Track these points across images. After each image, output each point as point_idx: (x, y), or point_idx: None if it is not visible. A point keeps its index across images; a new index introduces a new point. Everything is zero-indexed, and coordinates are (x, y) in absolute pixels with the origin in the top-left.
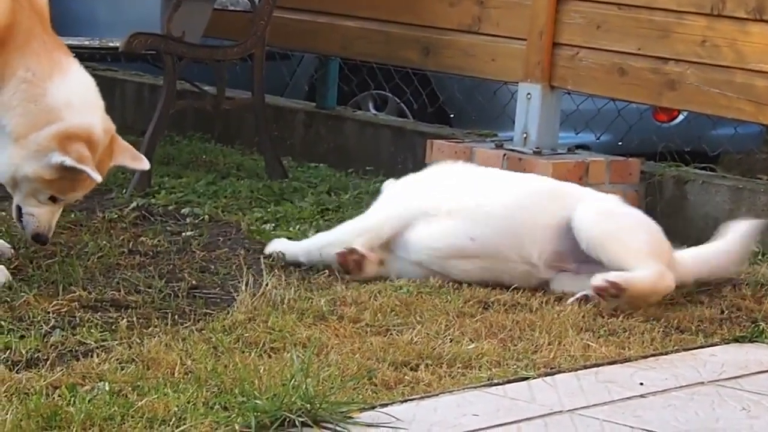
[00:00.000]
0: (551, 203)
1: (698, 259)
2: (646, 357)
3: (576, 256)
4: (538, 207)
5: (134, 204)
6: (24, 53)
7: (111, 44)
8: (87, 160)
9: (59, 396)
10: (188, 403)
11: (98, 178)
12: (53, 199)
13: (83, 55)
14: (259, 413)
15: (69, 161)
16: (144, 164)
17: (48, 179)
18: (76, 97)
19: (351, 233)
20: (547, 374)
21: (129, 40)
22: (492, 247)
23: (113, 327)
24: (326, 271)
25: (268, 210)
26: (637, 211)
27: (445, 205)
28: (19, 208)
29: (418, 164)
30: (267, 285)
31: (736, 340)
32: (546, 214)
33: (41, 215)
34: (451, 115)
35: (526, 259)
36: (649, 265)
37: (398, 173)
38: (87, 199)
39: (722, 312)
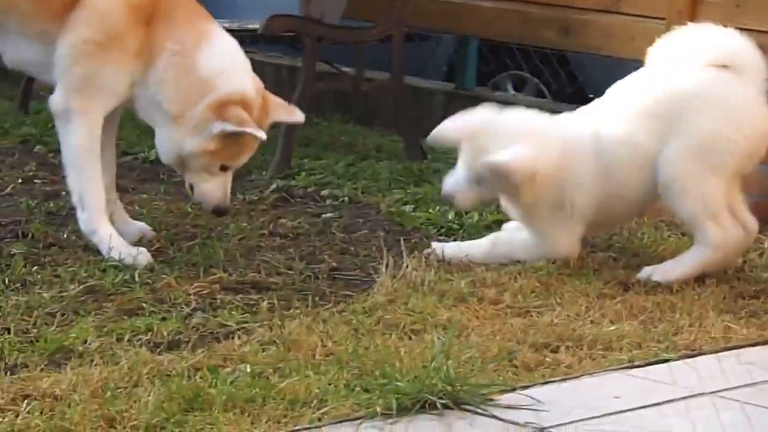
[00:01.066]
0: None
1: None
2: None
3: None
4: None
5: (274, 186)
6: (169, 25)
7: (250, 26)
8: (247, 121)
9: (201, 378)
10: (329, 385)
11: (263, 136)
12: (224, 168)
13: None
14: (400, 395)
15: (230, 126)
16: (299, 116)
17: (213, 150)
18: (225, 62)
19: None
20: (687, 356)
21: (268, 22)
22: None
23: (254, 309)
24: None
25: (408, 191)
26: None
27: None
28: (191, 186)
29: None
30: (407, 267)
31: None
32: None
33: (215, 188)
34: (590, 96)
35: None
36: None
37: None
38: None
39: None
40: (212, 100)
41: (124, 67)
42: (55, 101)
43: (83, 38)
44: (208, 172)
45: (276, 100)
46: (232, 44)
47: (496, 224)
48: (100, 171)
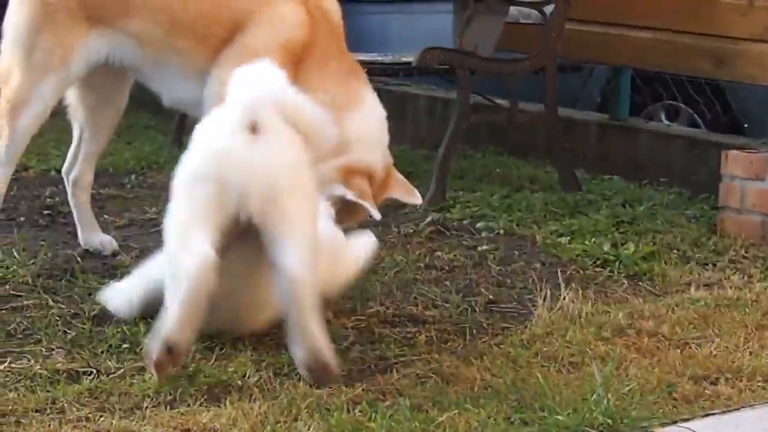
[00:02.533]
0: None
1: None
2: None
3: None
4: None
5: (429, 218)
6: (322, 75)
7: (404, 59)
8: (367, 196)
9: (360, 411)
10: (488, 418)
11: (377, 216)
12: None
13: (375, 71)
14: (560, 429)
15: (351, 195)
16: (417, 199)
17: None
18: (368, 132)
19: None
20: None
21: (422, 54)
22: None
23: (411, 342)
24: (624, 282)
25: (563, 223)
26: None
27: None
28: None
29: (713, 175)
30: (564, 299)
31: None
32: None
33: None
34: (745, 125)
35: None
36: None
37: (692, 185)
38: (382, 215)
39: None
40: (345, 162)
41: None
42: None
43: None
44: None
45: (399, 179)
46: (379, 114)
47: (652, 255)
48: None
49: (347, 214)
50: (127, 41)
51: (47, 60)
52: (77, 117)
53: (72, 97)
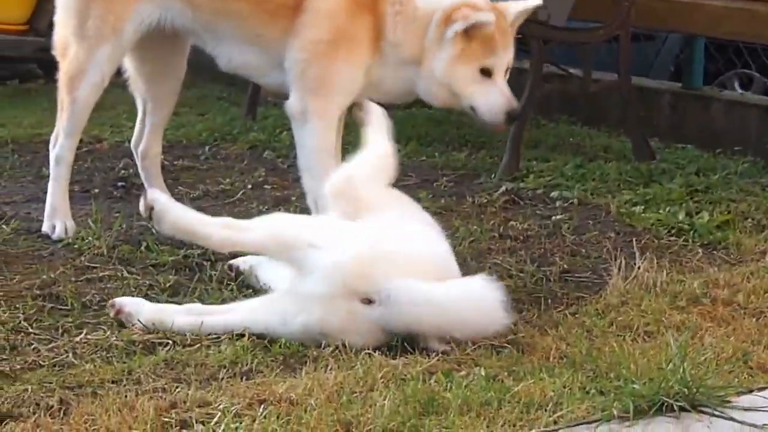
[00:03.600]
0: None
1: None
2: None
3: None
4: None
5: (503, 188)
6: None
7: None
8: (470, 15)
9: (435, 382)
10: (564, 387)
11: (489, 17)
12: (487, 73)
13: None
14: (636, 398)
15: (458, 24)
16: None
17: (459, 54)
18: None
19: None
20: None
21: None
22: None
23: None
24: (699, 251)
25: (637, 192)
26: None
27: None
28: (473, 109)
29: None
30: (639, 268)
31: None
32: None
33: (492, 94)
34: None
35: None
36: None
37: (766, 153)
38: (456, 185)
39: None
40: (438, 18)
41: (357, 60)
42: (292, 105)
43: (312, 40)
44: (475, 82)
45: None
46: None
47: (726, 224)
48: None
49: (481, 45)
50: (177, 5)
51: (100, 28)
52: (138, 89)
53: (131, 70)
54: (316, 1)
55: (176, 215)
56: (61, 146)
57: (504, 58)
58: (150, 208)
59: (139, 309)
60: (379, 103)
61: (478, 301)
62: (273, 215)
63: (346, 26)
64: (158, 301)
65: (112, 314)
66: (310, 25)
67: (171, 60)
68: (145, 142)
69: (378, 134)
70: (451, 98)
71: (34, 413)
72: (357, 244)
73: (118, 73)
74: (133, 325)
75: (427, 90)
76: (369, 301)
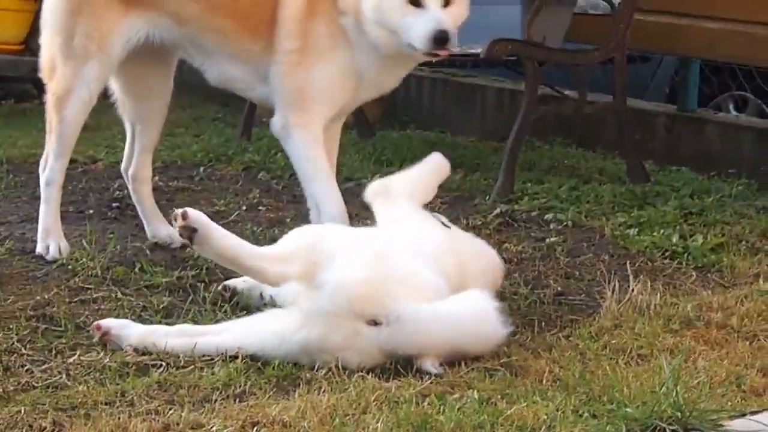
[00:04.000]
0: None
1: None
2: None
3: None
4: None
5: (498, 210)
6: None
7: (472, 51)
8: None
9: (429, 404)
10: (557, 410)
11: None
12: (415, 3)
13: (443, 62)
14: (629, 421)
15: None
16: None
17: None
18: None
19: None
20: None
21: (490, 46)
22: None
23: None
24: (693, 274)
25: (632, 214)
26: None
27: None
28: (410, 46)
29: None
30: (632, 291)
31: None
32: None
33: (420, 20)
34: None
35: None
36: None
37: (760, 176)
38: (451, 207)
39: None
40: None
41: (333, 62)
42: (275, 121)
43: (285, 51)
44: (404, 14)
45: None
46: None
47: (720, 247)
48: (333, 177)
49: None
50: (164, 21)
51: (87, 46)
52: (126, 112)
53: (118, 92)
54: (282, 9)
55: (219, 242)
56: (51, 168)
57: None
58: (192, 230)
59: (128, 332)
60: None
61: (481, 314)
62: (299, 234)
63: (310, 29)
64: (152, 323)
65: (97, 337)
66: (283, 37)
67: (157, 80)
68: (135, 164)
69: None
70: (392, 37)
71: None
72: (363, 263)
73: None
74: (123, 349)
75: (374, 40)
76: (375, 323)
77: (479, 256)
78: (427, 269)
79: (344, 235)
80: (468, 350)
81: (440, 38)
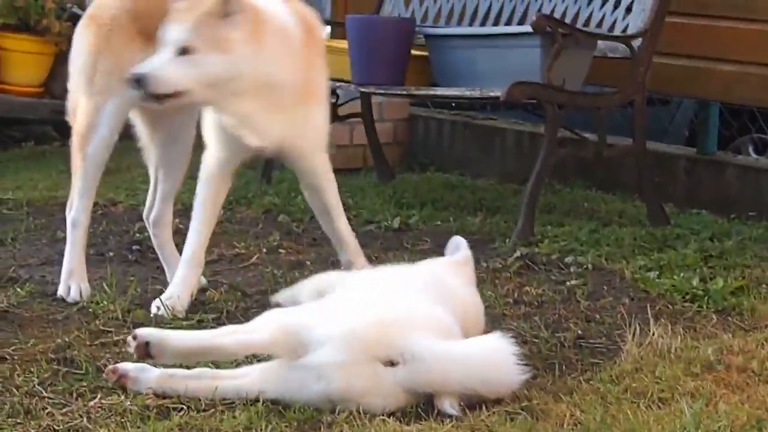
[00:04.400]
0: None
1: None
2: None
3: None
4: None
5: (518, 253)
6: None
7: (491, 94)
8: None
9: None
10: None
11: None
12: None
13: (463, 105)
14: None
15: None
16: None
17: None
18: None
19: None
20: None
21: (510, 89)
22: None
23: None
24: (713, 317)
25: (652, 257)
26: None
27: None
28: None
29: None
30: (653, 334)
31: None
32: None
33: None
34: None
35: None
36: None
37: None
38: (471, 249)
39: None
40: None
41: None
42: None
43: None
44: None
45: None
46: None
47: (741, 290)
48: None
49: None
50: None
51: (108, 83)
52: (150, 158)
53: (143, 138)
54: None
55: (177, 342)
56: (76, 209)
57: None
58: (145, 345)
59: (147, 375)
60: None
61: (497, 355)
62: (269, 312)
63: None
64: (172, 366)
65: (112, 381)
66: None
67: (180, 126)
68: (157, 209)
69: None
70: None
71: None
72: (373, 309)
73: (132, 136)
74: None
75: None
76: (392, 363)
77: (477, 305)
78: (438, 308)
79: (347, 279)
80: (487, 385)
81: (134, 79)
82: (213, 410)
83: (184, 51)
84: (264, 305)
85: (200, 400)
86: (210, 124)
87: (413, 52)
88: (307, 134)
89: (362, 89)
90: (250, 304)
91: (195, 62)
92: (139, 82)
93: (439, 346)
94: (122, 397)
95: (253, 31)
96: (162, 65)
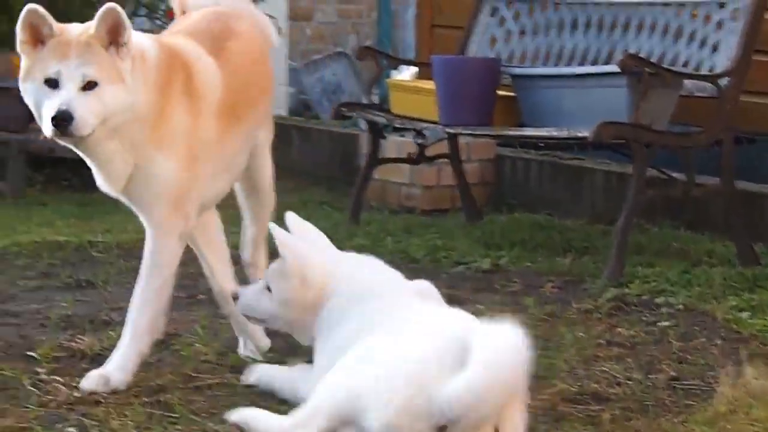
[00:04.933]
0: None
1: None
2: None
3: None
4: None
5: (609, 294)
6: None
7: (579, 134)
8: None
9: None
10: None
11: None
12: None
13: (550, 145)
14: None
15: None
16: None
17: None
18: None
19: None
20: None
21: (598, 129)
22: None
23: (595, 420)
24: None
25: (743, 298)
26: None
27: None
28: None
29: None
30: (747, 375)
31: None
32: None
33: (47, 105)
34: None
35: None
36: None
37: None
38: (561, 291)
39: None
40: None
41: None
42: None
43: None
44: (41, 97)
45: None
46: None
47: None
48: None
49: None
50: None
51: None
52: (241, 201)
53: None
54: None
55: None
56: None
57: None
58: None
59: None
60: None
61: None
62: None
63: None
64: (268, 410)
65: None
66: None
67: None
68: (246, 251)
69: None
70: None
71: None
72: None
73: None
74: None
75: None
76: (443, 428)
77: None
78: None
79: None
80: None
81: (59, 119)
82: None
83: (87, 85)
84: None
85: None
86: None
87: (499, 92)
88: (149, 184)
89: (449, 130)
90: None
91: (99, 96)
92: (63, 119)
93: (464, 378)
94: None
95: (132, 60)
96: (80, 103)
